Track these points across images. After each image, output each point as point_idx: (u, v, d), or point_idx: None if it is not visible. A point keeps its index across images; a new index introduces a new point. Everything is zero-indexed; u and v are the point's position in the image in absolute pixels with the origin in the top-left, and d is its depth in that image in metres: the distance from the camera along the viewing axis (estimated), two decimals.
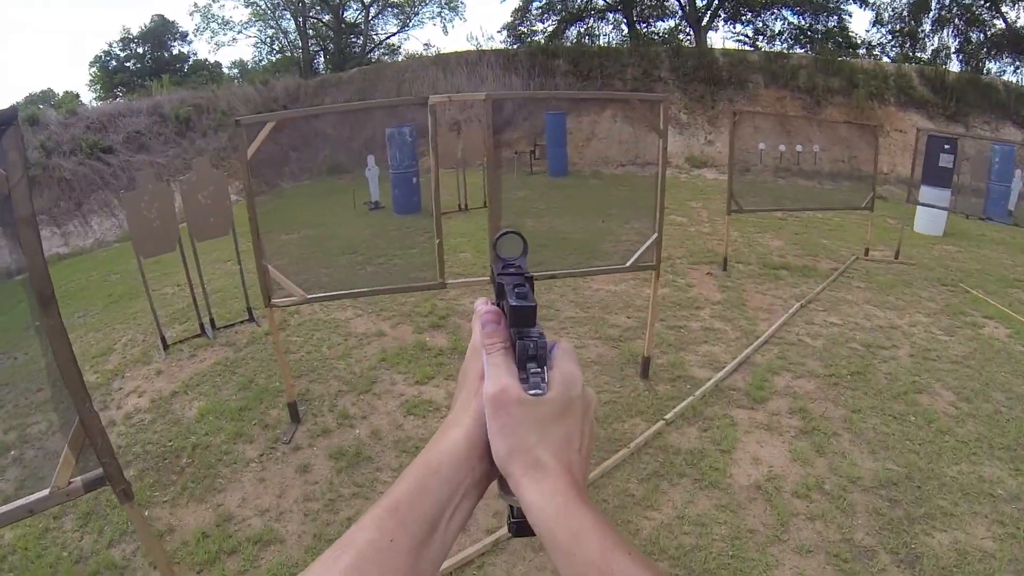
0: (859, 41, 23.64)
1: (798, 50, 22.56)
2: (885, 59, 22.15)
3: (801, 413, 5.07)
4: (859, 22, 68.17)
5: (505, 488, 0.61)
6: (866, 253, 9.52)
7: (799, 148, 15.68)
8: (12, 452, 5.34)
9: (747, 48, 22.97)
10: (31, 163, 15.59)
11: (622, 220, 10.74)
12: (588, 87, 19.24)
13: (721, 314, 7.09)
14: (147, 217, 6.58)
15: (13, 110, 2.27)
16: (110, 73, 28.95)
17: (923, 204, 9.94)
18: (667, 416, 5.01)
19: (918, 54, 22.50)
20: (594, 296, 7.66)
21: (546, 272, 5.51)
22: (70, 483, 2.57)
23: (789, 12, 23.68)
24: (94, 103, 25.47)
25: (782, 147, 15.76)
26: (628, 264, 5.25)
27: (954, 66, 21.32)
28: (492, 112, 4.79)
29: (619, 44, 23.32)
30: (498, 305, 0.68)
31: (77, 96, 28.89)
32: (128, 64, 29.37)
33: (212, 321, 7.27)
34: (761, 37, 24.26)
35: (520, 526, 0.60)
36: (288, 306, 5.34)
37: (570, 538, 0.53)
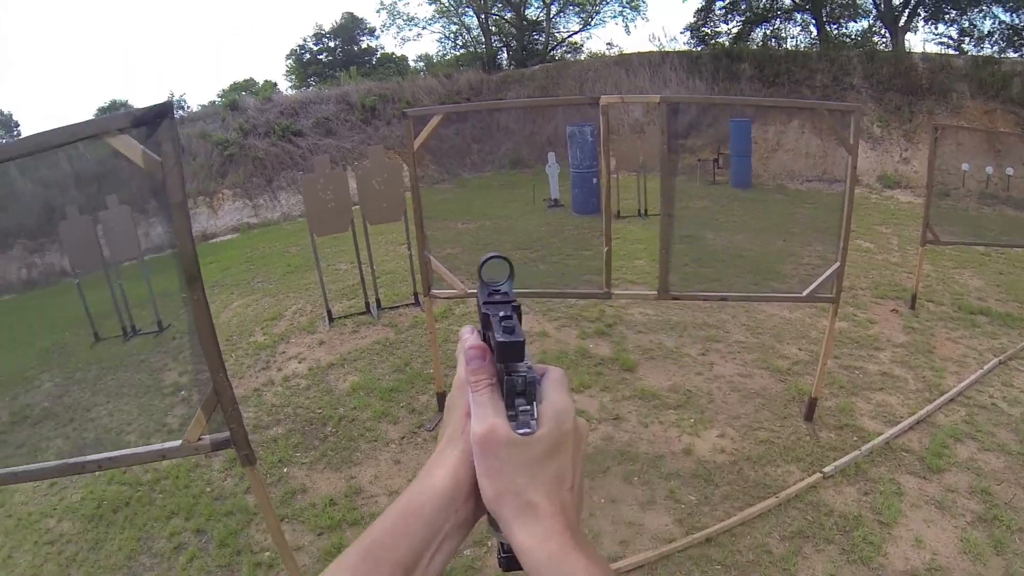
0: None
1: (1011, 55, 19.44)
2: None
3: (983, 495, 4.32)
4: None
5: (495, 525, 0.59)
6: None
7: (1010, 171, 13.83)
8: (182, 392, 6.25)
9: (951, 52, 20.10)
10: (230, 142, 17.06)
11: (804, 241, 10.11)
12: (774, 94, 18.01)
13: (903, 359, 6.33)
14: (323, 199, 7.20)
15: (168, 105, 2.44)
16: (304, 65, 31.45)
17: None
18: (826, 469, 4.51)
19: None
20: (767, 321, 7.14)
21: (715, 294, 5.19)
22: (200, 439, 2.83)
23: (1000, 10, 20.29)
24: (289, 91, 27.52)
25: (989, 169, 13.98)
26: (804, 293, 4.76)
27: None
28: (667, 116, 4.57)
29: (807, 47, 21.73)
30: (484, 336, 0.65)
31: (275, 85, 31.43)
32: (320, 57, 31.69)
33: (378, 301, 7.81)
34: (968, 39, 21.13)
35: (510, 561, 0.58)
36: (447, 298, 5.40)
37: None
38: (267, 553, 4.00)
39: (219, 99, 24.26)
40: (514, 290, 0.68)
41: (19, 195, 14.27)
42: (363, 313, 7.69)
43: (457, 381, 0.65)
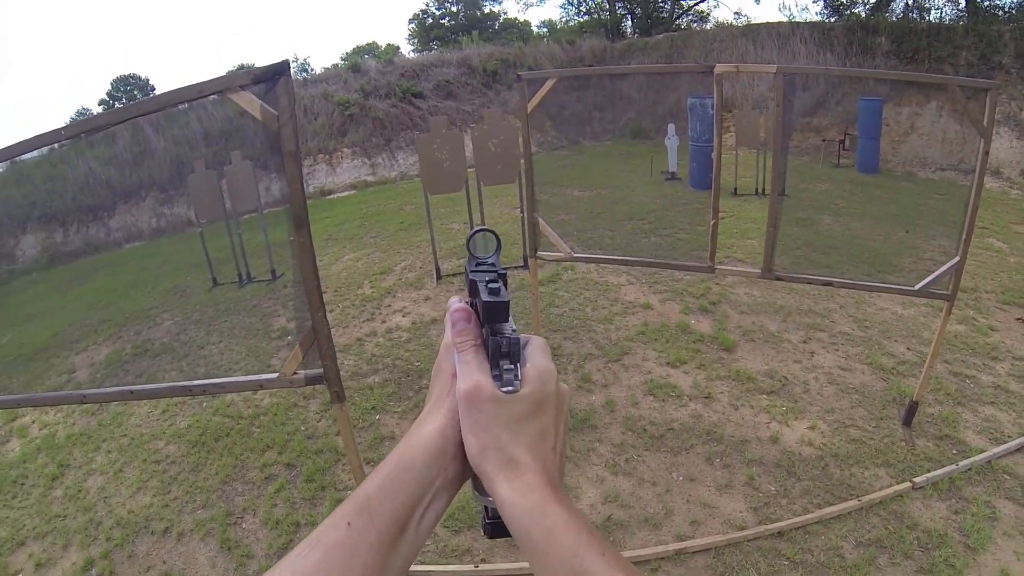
0: None
1: None
2: None
3: None
4: None
5: (480, 489, 0.61)
6: None
7: None
8: (288, 337, 6.73)
9: None
10: (351, 103, 17.62)
11: (929, 235, 9.46)
12: (913, 71, 16.42)
13: (1023, 374, 5.82)
14: (438, 158, 7.45)
15: (285, 63, 2.66)
16: (427, 29, 32.07)
17: None
18: (917, 479, 4.28)
19: None
20: (877, 315, 6.78)
21: (820, 277, 4.97)
22: (296, 373, 3.03)
23: None
24: (411, 54, 28.01)
25: None
26: (917, 287, 4.45)
27: None
28: (784, 88, 4.38)
29: (953, 21, 19.78)
30: (471, 303, 0.68)
31: (397, 48, 32.31)
32: (443, 21, 32.00)
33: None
34: None
35: (495, 527, 0.60)
36: (553, 260, 5.54)
37: (543, 535, 0.54)
38: (350, 491, 4.19)
39: (342, 62, 25.02)
40: (501, 263, 0.70)
41: (153, 151, 15.38)
42: None
43: (444, 345, 0.67)
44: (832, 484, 4.27)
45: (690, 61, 18.94)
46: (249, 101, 2.65)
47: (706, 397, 5.27)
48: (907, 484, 4.25)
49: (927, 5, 21.18)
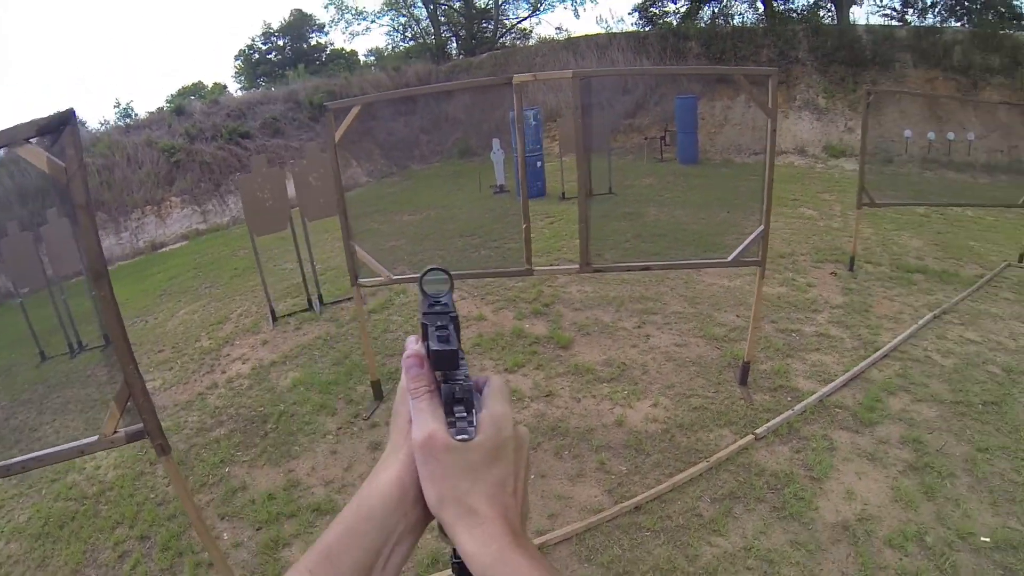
0: None
1: (953, 24, 19.77)
2: None
3: (915, 444, 4.36)
4: None
5: (444, 531, 0.59)
6: (1020, 259, 8.28)
7: (951, 136, 14.04)
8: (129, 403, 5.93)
9: (894, 24, 20.44)
10: (177, 148, 16.79)
11: (747, 212, 10.11)
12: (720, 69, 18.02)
13: (840, 320, 6.39)
14: (260, 198, 7.26)
15: (70, 112, 2.57)
16: (253, 65, 31.09)
17: None
18: (758, 430, 4.52)
19: None
20: (706, 291, 7.17)
21: (637, 263, 5.19)
22: (116, 432, 2.93)
23: None
24: (239, 92, 27.15)
25: (931, 135, 14.22)
26: (730, 259, 4.75)
27: None
28: (580, 90, 4.51)
29: (754, 24, 21.87)
30: (426, 345, 0.65)
31: (224, 87, 31.14)
32: (270, 56, 31.23)
33: (320, 297, 7.86)
34: (911, 10, 21.39)
35: (462, 567, 0.58)
36: (373, 286, 5.48)
37: None
38: (206, 553, 3.98)
39: (167, 105, 23.86)
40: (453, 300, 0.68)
41: None
42: (306, 310, 7.72)
43: (400, 389, 0.65)
44: (681, 452, 4.42)
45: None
46: (36, 154, 2.55)
47: (547, 395, 5.33)
48: (750, 437, 4.48)
49: (731, 12, 23.11)
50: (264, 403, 5.68)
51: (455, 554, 0.59)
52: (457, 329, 0.64)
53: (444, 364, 0.61)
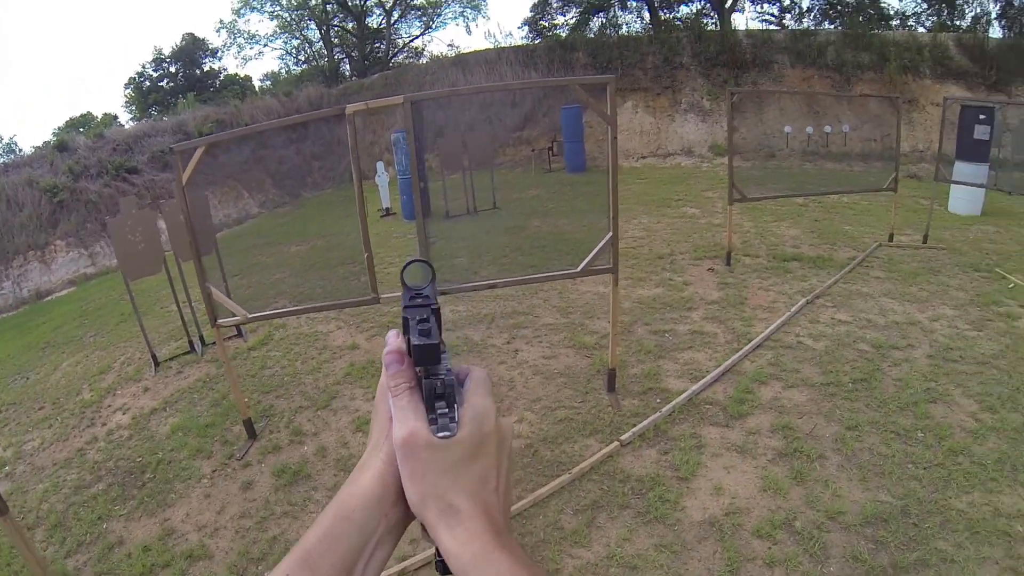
0: (892, 12, 22.11)
1: (827, 26, 21.24)
2: (921, 29, 20.64)
3: (784, 431, 4.40)
4: None
5: (426, 530, 0.58)
6: (890, 239, 8.66)
7: (828, 129, 14.78)
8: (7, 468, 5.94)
9: (773, 28, 21.73)
10: (60, 187, 16.00)
11: (629, 216, 10.32)
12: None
13: (715, 315, 6.45)
14: (132, 241, 7.00)
15: None
16: (144, 93, 29.64)
17: (955, 182, 9.14)
18: (623, 436, 4.46)
19: (956, 22, 20.90)
20: (579, 300, 7.17)
21: (485, 282, 5.15)
22: None
23: None
24: (130, 123, 26.12)
25: (809, 129, 14.90)
26: (580, 268, 4.70)
27: (996, 33, 19.72)
28: (412, 114, 4.44)
29: (640, 33, 22.46)
30: (407, 339, 0.63)
31: (115, 118, 29.84)
32: (162, 83, 29.95)
33: (202, 338, 7.64)
34: (788, 15, 22.97)
35: (445, 564, 0.56)
36: (231, 324, 5.36)
37: None
38: None
39: (54, 138, 22.66)
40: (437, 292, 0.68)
41: None
42: (188, 353, 7.50)
43: (380, 387, 0.64)
44: (544, 466, 4.35)
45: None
46: None
47: None
48: (615, 444, 4.41)
49: (619, 22, 23.75)
50: (143, 452, 5.53)
51: (439, 553, 0.57)
52: (439, 321, 0.62)
53: (426, 359, 0.59)
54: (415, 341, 0.59)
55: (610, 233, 4.61)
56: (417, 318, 0.61)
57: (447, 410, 0.59)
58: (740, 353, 5.53)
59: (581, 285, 7.50)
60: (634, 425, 4.60)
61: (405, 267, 0.68)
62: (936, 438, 4.21)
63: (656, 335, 6.11)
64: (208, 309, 4.98)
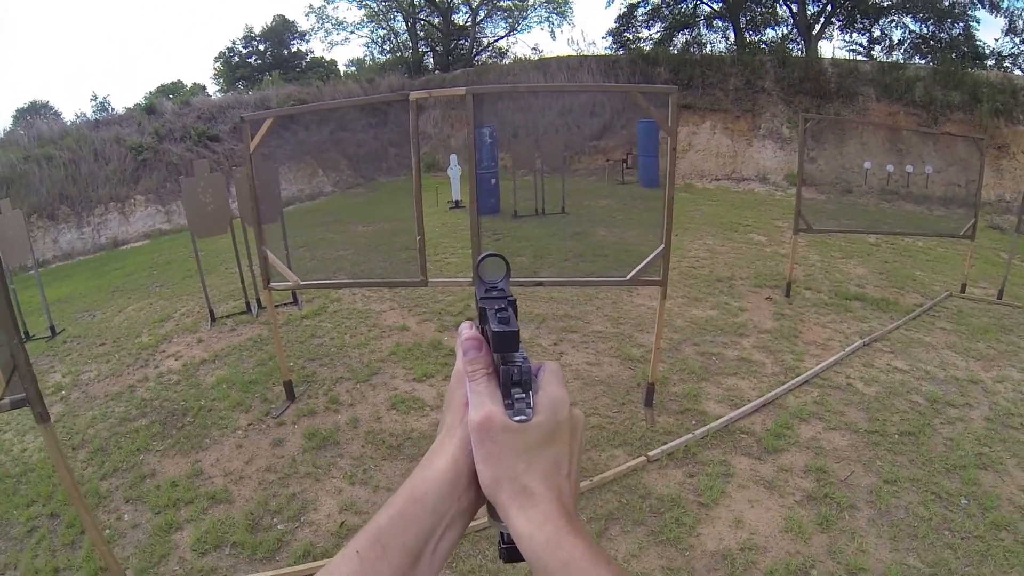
0: (987, 51, 20.79)
1: (918, 60, 20.28)
2: (1017, 72, 19.38)
3: (818, 473, 4.22)
4: (991, 31, 62.67)
5: (495, 515, 0.59)
6: (963, 290, 8.24)
7: (909, 169, 14.24)
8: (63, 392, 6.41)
9: (860, 59, 20.92)
10: (144, 147, 16.67)
11: (696, 235, 10.19)
12: (688, 96, 18.20)
13: (766, 344, 6.27)
14: (202, 202, 7.40)
15: None
16: (232, 68, 30.70)
17: None
18: (651, 452, 4.37)
19: None
20: (632, 311, 7.08)
21: (531, 280, 5.15)
22: (2, 399, 3.03)
23: (910, 19, 21.26)
24: (217, 94, 26.96)
25: (890, 167, 14.40)
26: (628, 277, 4.65)
27: None
28: (473, 106, 4.47)
29: (724, 54, 22.06)
30: (481, 330, 0.66)
31: (203, 88, 30.89)
32: (250, 60, 30.89)
33: (259, 301, 8.02)
34: (878, 47, 22.10)
35: (511, 551, 0.58)
36: (283, 289, 5.70)
37: (560, 568, 0.52)
38: (107, 531, 4.08)
39: (144, 101, 23.61)
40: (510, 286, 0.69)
41: None
42: (244, 313, 7.82)
43: (455, 373, 0.65)
44: None
45: (487, 95, 19.58)
46: None
47: None
48: (642, 458, 4.32)
49: (704, 41, 23.40)
50: (187, 397, 5.83)
51: (504, 539, 0.59)
52: (515, 312, 0.63)
53: (506, 345, 0.60)
54: (495, 328, 0.60)
55: (662, 246, 4.53)
56: (496, 308, 0.63)
57: (523, 396, 0.59)
58: (785, 386, 5.36)
59: (636, 298, 7.44)
60: (665, 443, 4.51)
61: (481, 260, 0.69)
62: (980, 508, 3.94)
63: (703, 357, 5.98)
64: (263, 271, 5.18)
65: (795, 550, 3.55)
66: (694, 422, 4.82)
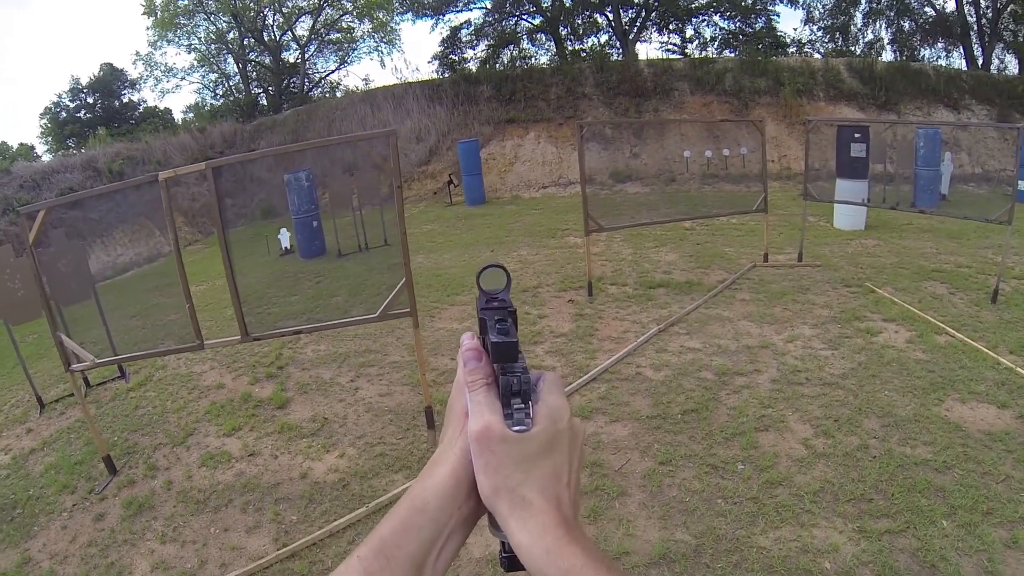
0: (788, 40, 23.81)
1: (728, 54, 22.39)
2: (816, 56, 21.99)
3: (592, 468, 4.31)
4: (792, 22, 69.90)
5: (495, 524, 0.59)
6: (765, 259, 8.77)
7: (726, 152, 15.14)
8: None
9: (674, 57, 22.80)
10: None
11: (513, 246, 10.42)
12: (511, 110, 18.86)
13: (560, 348, 6.37)
14: (11, 288, 6.90)
15: None
16: (60, 124, 28.63)
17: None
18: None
19: (851, 48, 22.53)
20: (431, 336, 7.11)
21: (290, 329, 5.24)
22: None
23: (719, 17, 23.81)
24: (46, 155, 25.32)
25: (708, 153, 15.27)
26: (377, 313, 4.73)
27: (888, 57, 21.28)
28: (215, 179, 4.71)
29: (546, 65, 23.05)
30: (481, 340, 0.67)
31: (32, 148, 28.87)
32: (79, 114, 29.01)
33: (86, 380, 7.55)
34: (690, 45, 24.31)
35: (512, 560, 0.58)
36: (83, 369, 5.67)
37: None
38: None
39: None
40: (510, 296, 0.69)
41: None
42: (70, 395, 7.36)
43: (456, 383, 0.65)
44: (350, 499, 4.44)
45: (315, 133, 19.52)
46: None
47: (251, 455, 5.30)
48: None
49: (529, 55, 24.40)
50: (16, 490, 5.61)
51: (504, 548, 0.59)
52: (515, 323, 0.64)
53: (505, 356, 0.61)
54: (495, 339, 0.61)
55: (403, 279, 4.68)
56: (495, 318, 0.64)
57: (523, 406, 0.59)
58: (572, 386, 5.48)
59: (438, 321, 7.50)
60: None
61: (481, 272, 0.69)
62: (756, 469, 4.14)
63: None
64: (61, 355, 5.19)
65: None
66: None
